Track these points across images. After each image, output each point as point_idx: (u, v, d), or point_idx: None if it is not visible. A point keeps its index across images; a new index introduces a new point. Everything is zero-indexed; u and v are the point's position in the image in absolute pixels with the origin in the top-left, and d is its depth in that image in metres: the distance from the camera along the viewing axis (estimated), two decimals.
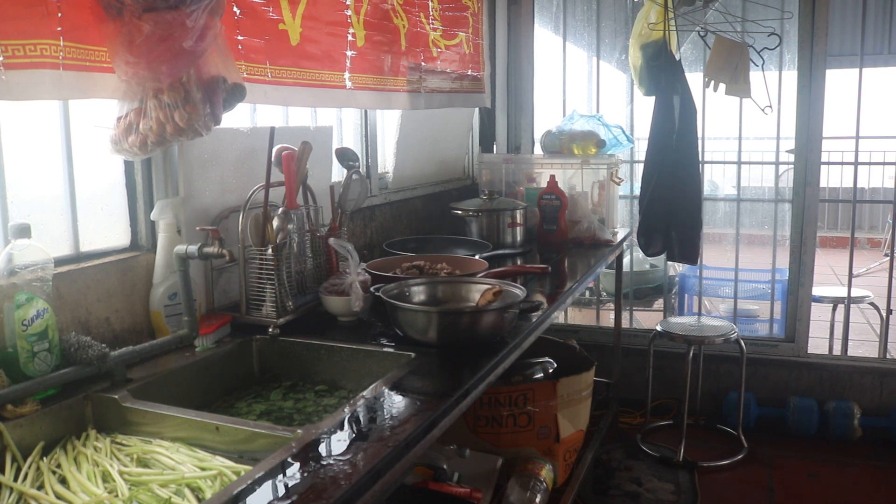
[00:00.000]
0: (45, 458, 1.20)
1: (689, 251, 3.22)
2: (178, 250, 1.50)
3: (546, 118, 3.81)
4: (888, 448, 3.17)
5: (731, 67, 3.16)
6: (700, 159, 3.27)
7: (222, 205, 1.81)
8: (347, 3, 2.10)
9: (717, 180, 5.62)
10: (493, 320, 1.59)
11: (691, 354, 3.14)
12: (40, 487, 1.13)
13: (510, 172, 3.23)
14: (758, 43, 3.19)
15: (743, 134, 3.53)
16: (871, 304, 3.82)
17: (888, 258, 3.96)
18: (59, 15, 1.24)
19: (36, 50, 1.20)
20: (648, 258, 3.79)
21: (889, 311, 3.42)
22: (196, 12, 1.30)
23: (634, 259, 4.08)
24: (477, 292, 1.75)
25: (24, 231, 1.29)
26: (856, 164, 3.49)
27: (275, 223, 1.72)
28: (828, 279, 4.97)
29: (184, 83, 1.35)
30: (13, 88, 1.18)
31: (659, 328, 3.27)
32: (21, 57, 1.18)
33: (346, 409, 1.25)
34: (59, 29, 1.24)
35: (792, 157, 3.39)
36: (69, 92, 1.30)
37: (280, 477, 1.01)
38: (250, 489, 0.98)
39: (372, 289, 1.74)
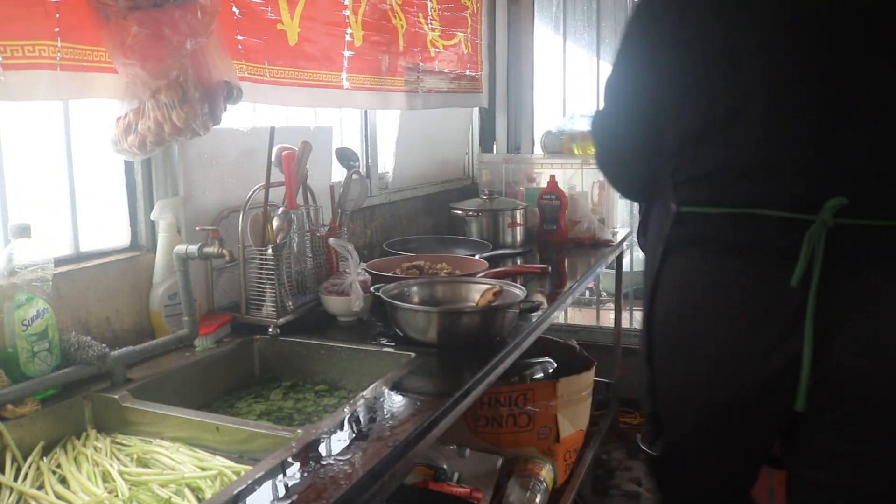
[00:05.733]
0: (45, 458, 1.20)
1: None
2: (178, 250, 1.50)
3: (546, 118, 3.81)
4: None
5: None
6: None
7: (222, 205, 1.81)
8: (346, 3, 2.10)
9: None
10: (493, 320, 1.59)
11: None
12: (40, 487, 1.13)
13: (510, 172, 3.23)
14: None
15: None
16: None
17: None
18: (58, 16, 1.24)
19: (34, 51, 1.21)
20: None
21: None
22: (184, 9, 1.29)
23: (634, 259, 4.08)
24: (477, 292, 1.75)
25: (24, 231, 1.29)
26: None
27: (275, 223, 1.72)
28: None
29: (181, 83, 1.34)
30: (11, 89, 1.18)
31: None
32: (20, 58, 1.19)
33: (346, 409, 1.25)
34: (56, 30, 1.24)
35: None
36: (66, 92, 1.31)
37: (280, 477, 1.02)
38: (250, 489, 0.98)
39: (372, 289, 1.74)
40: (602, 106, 1.36)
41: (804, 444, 1.20)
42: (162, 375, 1.46)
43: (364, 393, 1.32)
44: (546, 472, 2.37)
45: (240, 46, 1.70)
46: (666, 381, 1.28)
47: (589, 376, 2.67)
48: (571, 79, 3.82)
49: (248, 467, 1.10)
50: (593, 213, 3.03)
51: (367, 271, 1.83)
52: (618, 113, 1.33)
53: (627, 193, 1.53)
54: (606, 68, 3.96)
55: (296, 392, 1.61)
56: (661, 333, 1.25)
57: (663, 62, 1.18)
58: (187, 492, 1.09)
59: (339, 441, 1.13)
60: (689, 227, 1.17)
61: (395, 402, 1.30)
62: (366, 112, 2.66)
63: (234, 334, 1.69)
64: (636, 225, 3.28)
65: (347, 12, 2.11)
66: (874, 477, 1.14)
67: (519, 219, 2.79)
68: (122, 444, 1.26)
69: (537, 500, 2.24)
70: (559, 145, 3.22)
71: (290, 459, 1.06)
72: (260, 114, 2.14)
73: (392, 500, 1.09)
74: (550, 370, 2.54)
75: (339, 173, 2.21)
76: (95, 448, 1.24)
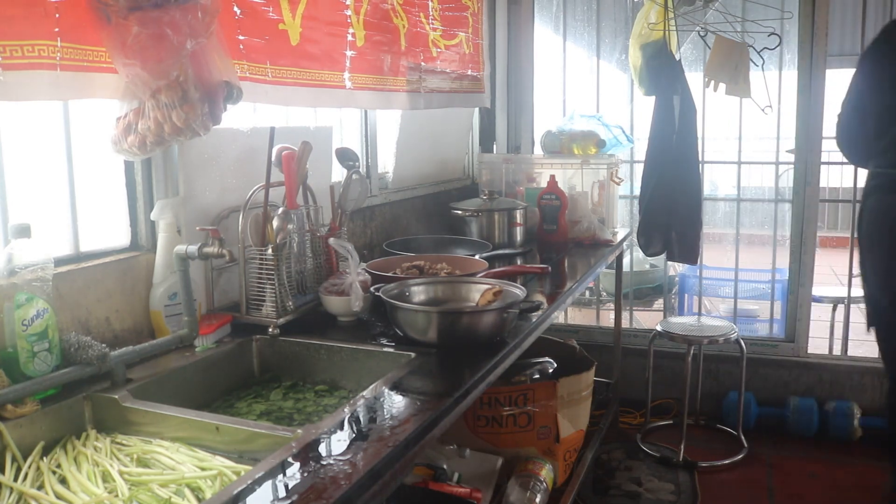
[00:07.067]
0: (45, 458, 1.20)
1: (688, 251, 3.22)
2: (178, 250, 1.50)
3: (546, 118, 3.81)
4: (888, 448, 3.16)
5: (731, 67, 3.16)
6: (700, 159, 3.27)
7: (222, 205, 1.81)
8: (347, 2, 2.10)
9: (717, 180, 5.61)
10: (493, 320, 1.59)
11: (691, 354, 3.14)
12: (40, 487, 1.13)
13: (510, 172, 3.23)
14: (758, 43, 3.19)
15: (743, 134, 3.53)
16: None
17: None
18: (57, 16, 1.24)
19: (34, 51, 1.21)
20: (648, 258, 3.79)
21: None
22: (185, 9, 1.29)
23: (634, 259, 4.08)
24: (477, 292, 1.75)
25: (24, 231, 1.29)
26: None
27: (275, 223, 1.72)
28: (828, 279, 4.96)
29: (181, 83, 1.34)
30: (10, 89, 1.18)
31: (659, 328, 3.27)
32: (19, 58, 1.19)
33: (346, 409, 1.25)
34: (56, 30, 1.24)
35: (792, 157, 3.39)
36: (67, 92, 1.30)
37: (280, 477, 1.02)
38: (250, 489, 0.98)
39: (372, 289, 1.74)
40: (840, 109, 2.47)
41: None
42: (162, 375, 1.46)
43: (364, 393, 1.32)
44: (546, 472, 2.37)
45: (241, 46, 1.70)
46: (866, 273, 2.36)
47: (589, 376, 2.67)
48: (571, 79, 3.82)
49: (248, 467, 1.10)
50: (593, 213, 3.03)
51: (367, 271, 1.83)
52: (846, 113, 2.40)
53: (852, 159, 2.54)
54: (606, 68, 3.97)
55: (296, 392, 1.61)
56: (861, 242, 2.33)
57: (867, 92, 2.33)
58: (187, 492, 1.09)
59: (339, 441, 1.13)
60: (875, 181, 2.28)
61: (395, 402, 1.30)
62: (366, 112, 2.66)
63: (234, 334, 1.69)
64: (636, 225, 3.30)
65: (349, 12, 2.11)
66: None
67: (519, 219, 2.79)
68: (122, 444, 1.26)
69: (537, 500, 2.25)
70: (559, 145, 3.22)
71: (290, 459, 1.06)
72: (260, 114, 2.14)
73: (392, 500, 1.09)
74: (550, 370, 2.54)
75: (339, 173, 2.21)
76: (95, 448, 1.24)
